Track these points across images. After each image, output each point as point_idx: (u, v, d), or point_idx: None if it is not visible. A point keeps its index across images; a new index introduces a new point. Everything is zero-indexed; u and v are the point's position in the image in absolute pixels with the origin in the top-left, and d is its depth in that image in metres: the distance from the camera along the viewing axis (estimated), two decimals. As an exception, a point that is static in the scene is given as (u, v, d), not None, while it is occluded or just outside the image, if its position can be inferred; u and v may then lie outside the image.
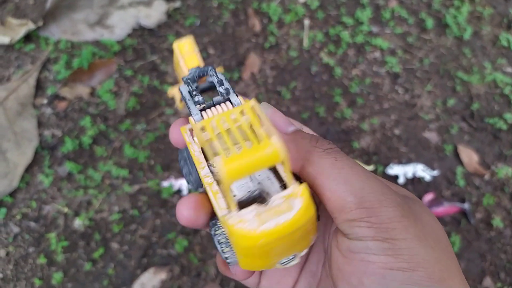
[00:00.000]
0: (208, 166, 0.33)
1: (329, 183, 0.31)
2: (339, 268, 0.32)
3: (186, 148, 0.34)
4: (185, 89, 0.33)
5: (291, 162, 0.32)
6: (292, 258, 0.33)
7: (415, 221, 0.30)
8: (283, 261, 0.33)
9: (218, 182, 0.32)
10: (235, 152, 0.26)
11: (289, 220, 0.28)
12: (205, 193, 0.35)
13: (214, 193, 0.32)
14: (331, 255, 0.34)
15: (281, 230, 0.28)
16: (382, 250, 0.29)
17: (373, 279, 0.29)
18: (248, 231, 0.28)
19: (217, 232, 0.33)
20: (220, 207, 0.31)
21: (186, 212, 0.36)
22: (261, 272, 0.42)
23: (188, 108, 0.33)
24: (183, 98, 0.33)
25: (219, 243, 0.32)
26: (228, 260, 0.33)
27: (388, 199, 0.30)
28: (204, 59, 1.30)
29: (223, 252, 0.33)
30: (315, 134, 0.37)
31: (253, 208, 0.29)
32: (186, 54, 0.39)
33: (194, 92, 0.32)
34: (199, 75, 0.34)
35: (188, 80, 0.33)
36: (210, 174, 0.33)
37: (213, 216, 0.34)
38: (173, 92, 0.40)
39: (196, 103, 0.32)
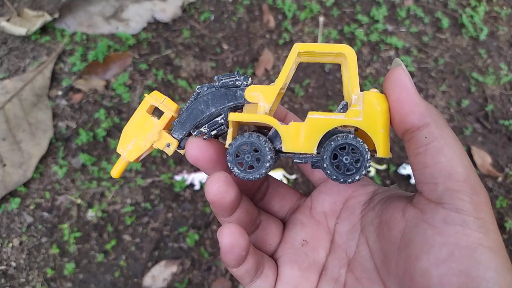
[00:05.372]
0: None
1: (447, 149, 0.33)
2: (426, 241, 0.33)
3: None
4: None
5: (419, 114, 0.34)
6: None
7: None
8: None
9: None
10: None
11: None
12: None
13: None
14: (412, 231, 0.34)
15: None
16: (477, 227, 0.31)
17: (465, 252, 0.31)
18: None
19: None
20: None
21: (216, 185, 0.37)
22: (276, 276, 0.42)
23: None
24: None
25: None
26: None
27: (483, 187, 0.34)
28: (217, 54, 1.30)
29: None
30: None
31: None
32: (160, 101, 0.42)
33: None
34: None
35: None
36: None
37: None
38: (163, 141, 0.40)
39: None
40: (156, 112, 0.42)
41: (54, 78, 1.26)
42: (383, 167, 1.18)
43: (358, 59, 1.32)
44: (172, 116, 0.41)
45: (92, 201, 1.13)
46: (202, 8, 1.37)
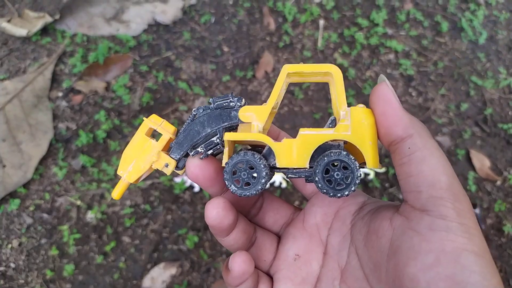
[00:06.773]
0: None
1: (430, 158, 0.35)
2: (413, 248, 0.34)
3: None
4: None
5: (403, 126, 0.36)
6: None
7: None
8: None
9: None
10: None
11: None
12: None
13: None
14: (399, 239, 0.35)
15: None
16: (461, 232, 0.32)
17: (450, 257, 0.32)
18: None
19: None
20: None
21: (215, 211, 0.39)
22: (271, 286, 0.44)
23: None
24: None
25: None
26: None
27: (465, 194, 0.35)
28: (218, 56, 1.31)
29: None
30: None
31: None
32: (158, 124, 0.43)
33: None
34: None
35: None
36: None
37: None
38: (162, 161, 0.42)
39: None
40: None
41: (55, 80, 1.26)
42: (382, 170, 1.19)
43: (358, 62, 1.32)
44: (170, 137, 0.43)
45: (92, 202, 1.13)
46: (202, 10, 1.38)
